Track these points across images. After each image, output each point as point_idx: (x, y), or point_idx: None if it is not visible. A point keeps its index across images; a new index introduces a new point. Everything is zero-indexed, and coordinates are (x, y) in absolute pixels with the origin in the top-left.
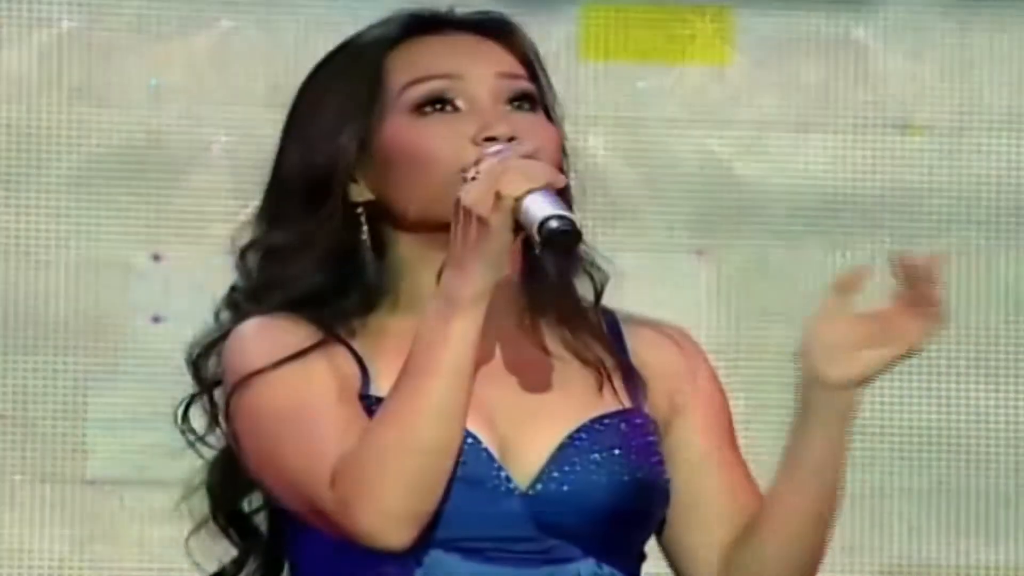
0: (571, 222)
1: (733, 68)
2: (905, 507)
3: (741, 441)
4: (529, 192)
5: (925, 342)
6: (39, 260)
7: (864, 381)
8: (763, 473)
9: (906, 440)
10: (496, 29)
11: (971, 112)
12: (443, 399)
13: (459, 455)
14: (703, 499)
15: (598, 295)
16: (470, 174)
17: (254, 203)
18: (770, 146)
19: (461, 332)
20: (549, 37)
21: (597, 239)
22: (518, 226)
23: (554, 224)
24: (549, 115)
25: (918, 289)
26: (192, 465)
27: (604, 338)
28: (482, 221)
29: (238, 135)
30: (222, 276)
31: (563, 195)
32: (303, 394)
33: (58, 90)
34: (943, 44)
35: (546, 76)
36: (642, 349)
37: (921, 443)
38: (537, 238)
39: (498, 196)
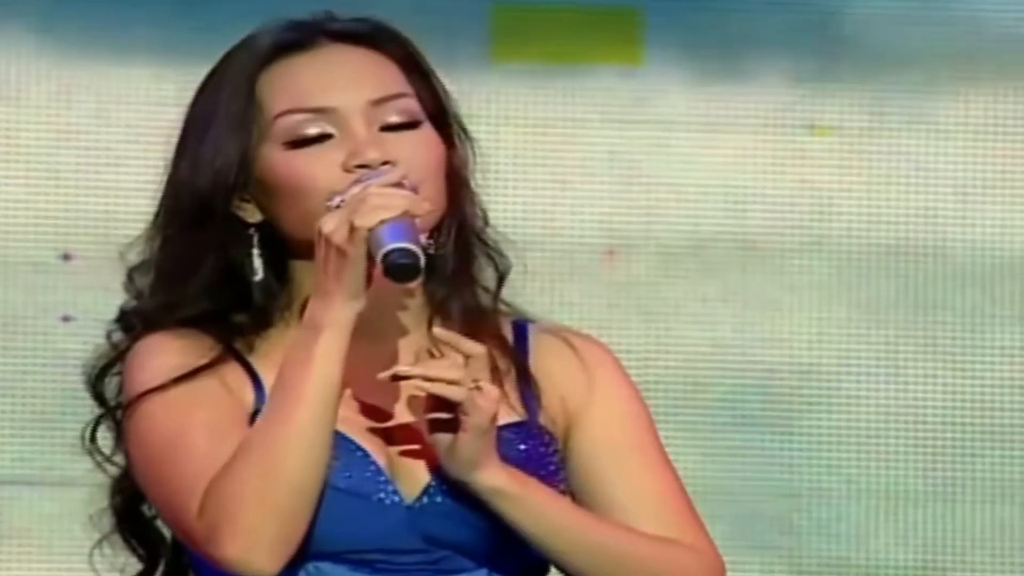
0: (410, 254)
1: (643, 68)
2: (815, 507)
3: None
4: (382, 223)
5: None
6: None
7: (470, 466)
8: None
9: (815, 441)
10: (369, 38)
11: (880, 113)
12: (305, 426)
13: (346, 469)
14: (607, 512)
15: (499, 282)
16: (334, 203)
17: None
18: (679, 146)
19: (323, 359)
20: (460, 37)
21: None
22: (372, 255)
23: (394, 257)
24: (440, 117)
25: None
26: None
27: (505, 343)
28: (340, 251)
29: (148, 135)
30: None
31: (472, 207)
32: (183, 419)
33: None
34: (852, 44)
35: (432, 75)
36: (542, 356)
37: (831, 443)
38: (381, 270)
39: (352, 227)
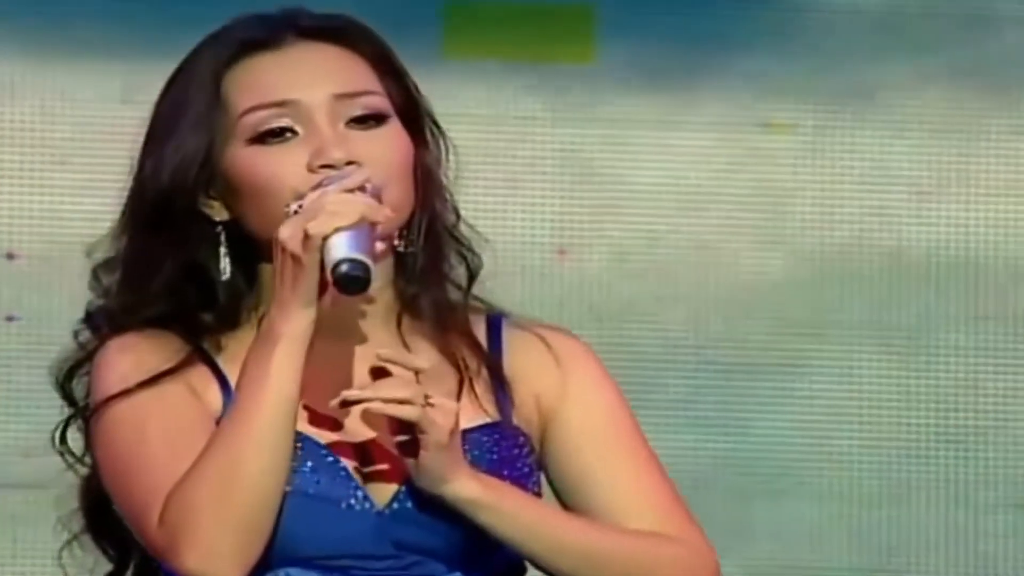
0: (359, 265)
1: (596, 66)
2: (769, 509)
3: None
4: (337, 231)
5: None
6: None
7: (439, 481)
8: None
9: (769, 442)
10: (339, 34)
11: (835, 111)
12: (262, 437)
13: (316, 474)
14: (593, 509)
15: (470, 279)
16: (293, 208)
17: (109, 202)
18: (633, 144)
19: (279, 371)
20: (412, 34)
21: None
22: (323, 261)
23: (343, 268)
24: (411, 115)
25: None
26: (46, 465)
27: (475, 343)
28: (295, 258)
29: (94, 133)
30: (78, 276)
31: (442, 209)
32: (147, 426)
33: None
34: (807, 42)
35: (404, 74)
36: (515, 353)
37: (785, 445)
38: (331, 280)
39: (307, 234)
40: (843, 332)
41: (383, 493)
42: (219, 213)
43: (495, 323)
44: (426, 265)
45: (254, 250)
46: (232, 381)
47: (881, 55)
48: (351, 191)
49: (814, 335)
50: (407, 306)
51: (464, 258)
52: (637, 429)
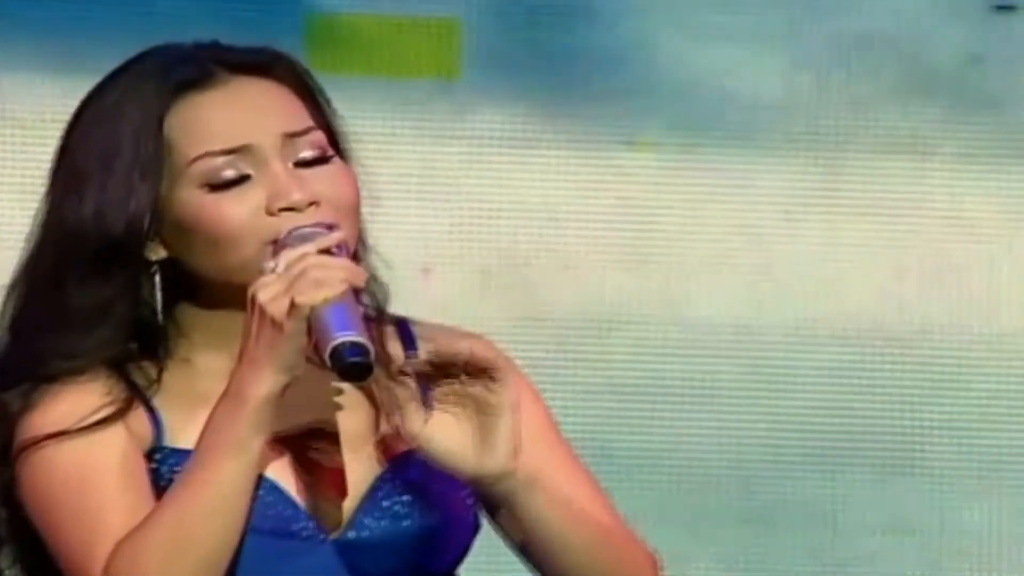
0: (362, 350)
1: (460, 82)
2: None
3: None
4: (325, 302)
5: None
6: None
7: (515, 452)
8: None
9: (632, 464)
10: (268, 69)
11: (699, 129)
12: (220, 505)
13: (263, 508)
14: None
15: (379, 311)
16: (269, 265)
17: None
18: (496, 162)
19: (246, 435)
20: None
21: None
22: (312, 333)
23: (345, 355)
24: (337, 144)
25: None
26: None
27: (399, 360)
28: (276, 324)
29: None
30: None
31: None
32: (89, 472)
33: None
34: (672, 59)
35: (327, 102)
36: None
37: (648, 467)
38: (329, 364)
39: (293, 304)
40: (708, 352)
41: (333, 521)
42: (156, 252)
43: (405, 330)
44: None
45: (187, 287)
46: (163, 418)
47: (745, 72)
48: (327, 251)
49: (678, 355)
50: None
51: (372, 290)
52: (558, 430)
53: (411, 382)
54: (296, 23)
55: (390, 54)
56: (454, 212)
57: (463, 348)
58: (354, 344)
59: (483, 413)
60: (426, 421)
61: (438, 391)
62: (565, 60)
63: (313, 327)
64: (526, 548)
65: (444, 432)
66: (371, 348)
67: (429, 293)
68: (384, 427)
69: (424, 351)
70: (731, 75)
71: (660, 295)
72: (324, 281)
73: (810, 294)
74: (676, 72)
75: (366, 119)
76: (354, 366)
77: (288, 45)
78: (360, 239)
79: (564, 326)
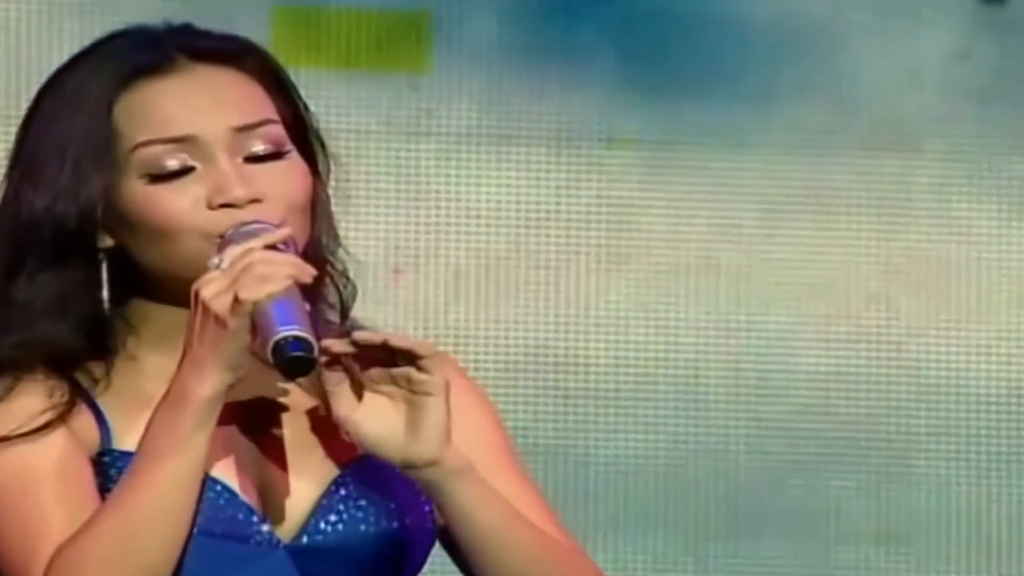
0: (304, 344)
1: (431, 77)
2: (611, 541)
3: None
4: (269, 297)
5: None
6: None
7: (446, 437)
8: None
9: (612, 471)
10: (233, 58)
11: (680, 125)
12: (163, 508)
13: (213, 511)
14: None
15: (344, 310)
16: (213, 261)
17: None
18: (469, 159)
19: (189, 437)
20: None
21: None
22: (256, 330)
23: (288, 349)
24: (303, 138)
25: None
26: None
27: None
28: (219, 321)
29: None
30: None
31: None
32: (29, 476)
33: None
34: (653, 52)
35: (295, 93)
36: None
37: (628, 474)
38: (271, 359)
39: (236, 299)
40: (690, 356)
41: (288, 524)
42: (103, 240)
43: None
44: (306, 292)
45: (135, 279)
46: (109, 418)
47: (726, 67)
48: (273, 247)
49: (659, 359)
50: None
51: (336, 286)
52: (510, 444)
53: (342, 366)
54: (263, 15)
55: (358, 47)
56: (425, 211)
57: (385, 334)
58: (296, 339)
59: (413, 395)
60: (358, 403)
61: (372, 373)
62: (539, 53)
63: (256, 323)
64: (458, 546)
65: (375, 416)
66: (314, 343)
67: (400, 294)
68: (338, 429)
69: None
70: (712, 72)
71: (639, 297)
72: (269, 277)
73: (793, 295)
74: (656, 66)
75: (334, 116)
76: (296, 360)
77: (254, 37)
78: (325, 237)
79: (540, 329)
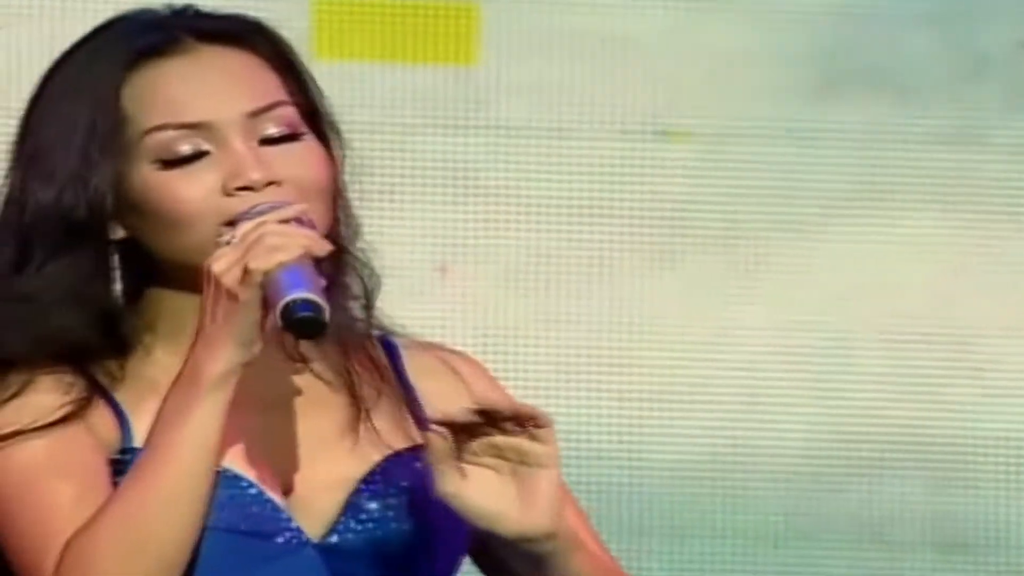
0: (313, 306)
1: (480, 69)
2: (667, 546)
3: None
4: (280, 266)
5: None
6: None
7: (557, 510)
8: None
9: (666, 475)
10: (241, 38)
11: (738, 117)
12: (177, 492)
13: (240, 509)
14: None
15: (368, 300)
16: (225, 238)
17: None
18: (520, 153)
19: (202, 418)
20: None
21: None
22: (267, 303)
23: (296, 310)
24: (316, 121)
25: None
26: None
27: (382, 365)
28: (231, 295)
29: None
30: None
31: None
32: (43, 470)
33: None
34: (706, 47)
35: (308, 76)
36: (417, 376)
37: (684, 478)
38: (280, 322)
39: (246, 269)
40: (746, 356)
41: (316, 523)
42: (115, 232)
43: (389, 345)
44: (329, 285)
45: (148, 271)
46: (128, 414)
47: (787, 57)
48: (287, 222)
49: (716, 359)
50: None
51: (361, 277)
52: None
53: (445, 436)
54: (303, 7)
55: (404, 40)
56: (474, 207)
57: (505, 399)
58: (306, 300)
59: (524, 467)
60: (463, 477)
61: (476, 444)
62: (594, 45)
63: (267, 294)
64: None
65: (485, 491)
66: (325, 306)
67: (447, 292)
68: (367, 425)
69: (469, 404)
70: (771, 62)
71: (694, 295)
72: (280, 247)
73: (852, 294)
74: (713, 58)
75: (380, 109)
76: (305, 321)
77: (294, 31)
78: (345, 227)
79: (594, 328)
